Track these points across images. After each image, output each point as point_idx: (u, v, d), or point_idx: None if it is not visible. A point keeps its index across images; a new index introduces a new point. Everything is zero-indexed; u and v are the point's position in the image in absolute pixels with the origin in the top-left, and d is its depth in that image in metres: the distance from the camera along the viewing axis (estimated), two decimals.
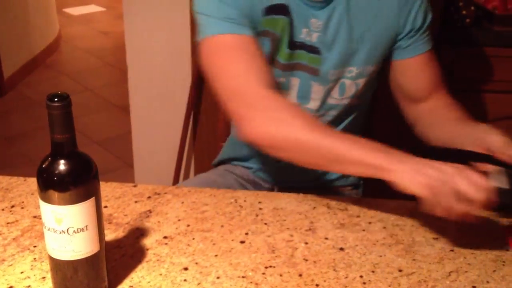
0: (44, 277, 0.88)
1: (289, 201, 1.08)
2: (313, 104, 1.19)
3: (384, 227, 1.01)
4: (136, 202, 1.07)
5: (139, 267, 0.90)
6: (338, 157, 0.94)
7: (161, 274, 0.89)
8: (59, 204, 0.75)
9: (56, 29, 4.44)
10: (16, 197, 1.08)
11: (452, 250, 0.96)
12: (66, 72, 4.00)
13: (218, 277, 0.88)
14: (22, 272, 0.89)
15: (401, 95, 1.24)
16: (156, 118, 2.16)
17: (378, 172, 0.90)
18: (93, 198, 0.77)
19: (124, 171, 2.74)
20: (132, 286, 0.86)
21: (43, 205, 0.76)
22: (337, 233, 0.99)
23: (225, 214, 1.04)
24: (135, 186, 1.12)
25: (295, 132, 0.97)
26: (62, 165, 0.75)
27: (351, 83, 1.17)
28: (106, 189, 1.10)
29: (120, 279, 0.88)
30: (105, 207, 1.05)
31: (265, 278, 0.88)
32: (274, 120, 0.99)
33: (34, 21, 3.96)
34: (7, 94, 3.58)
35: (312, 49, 1.12)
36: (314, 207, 1.06)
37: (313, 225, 1.01)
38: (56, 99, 0.72)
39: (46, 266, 0.90)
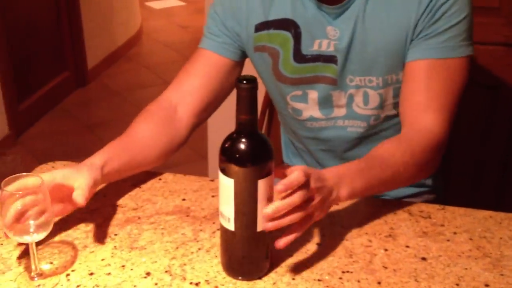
0: (123, 266, 0.89)
1: (368, 205, 1.05)
2: (339, 112, 1.13)
3: (470, 239, 0.96)
4: (213, 196, 1.07)
5: (215, 261, 0.90)
6: None
7: None
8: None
9: (138, 22, 4.57)
10: None
11: None
12: (146, 64, 4.10)
13: (293, 279, 0.87)
14: (103, 260, 0.91)
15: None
16: (232, 113, 2.17)
17: None
18: (269, 177, 0.81)
19: (198, 163, 2.78)
20: (208, 280, 0.86)
21: (223, 179, 0.82)
22: (419, 242, 0.95)
23: None
24: (212, 180, 1.12)
25: None
26: (242, 144, 0.80)
27: (374, 94, 1.09)
28: (184, 182, 1.11)
29: (197, 273, 0.88)
30: (183, 200, 1.06)
31: (342, 283, 0.86)
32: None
33: (118, 14, 4.09)
34: (90, 84, 3.72)
35: (328, 59, 1.08)
36: (395, 213, 1.02)
37: (394, 232, 0.98)
38: (245, 81, 0.77)
39: (126, 254, 0.91)
